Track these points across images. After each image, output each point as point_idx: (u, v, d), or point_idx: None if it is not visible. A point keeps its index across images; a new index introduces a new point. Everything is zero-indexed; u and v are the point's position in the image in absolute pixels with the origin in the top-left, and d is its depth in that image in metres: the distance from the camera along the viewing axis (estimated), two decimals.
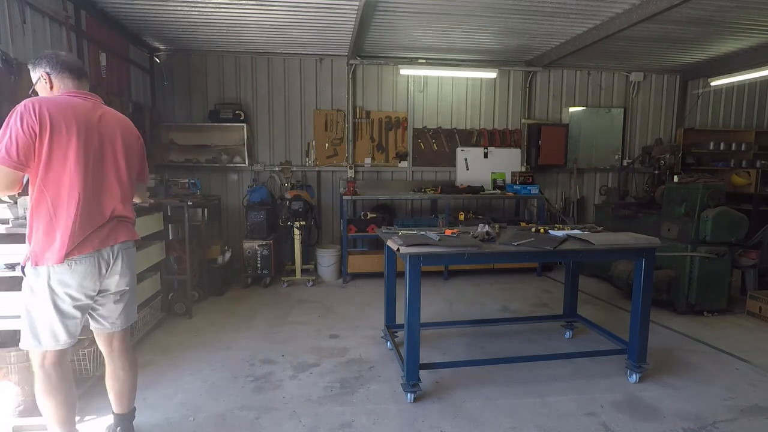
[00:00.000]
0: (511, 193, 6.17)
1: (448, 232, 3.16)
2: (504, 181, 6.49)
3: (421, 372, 2.87)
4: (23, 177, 1.89)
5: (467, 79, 6.53)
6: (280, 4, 4.30)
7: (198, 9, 4.44)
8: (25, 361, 2.55)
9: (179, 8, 4.43)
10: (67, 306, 1.99)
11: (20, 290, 2.04)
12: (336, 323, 4.23)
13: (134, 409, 2.38)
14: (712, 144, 7.02)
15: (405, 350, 2.83)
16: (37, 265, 1.92)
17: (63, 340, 2.01)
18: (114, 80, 4.73)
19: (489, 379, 3.12)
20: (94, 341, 2.95)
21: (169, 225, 4.41)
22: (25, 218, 2.37)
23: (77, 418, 2.61)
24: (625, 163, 6.97)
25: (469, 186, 6.18)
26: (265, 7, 4.40)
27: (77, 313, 2.02)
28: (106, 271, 2.09)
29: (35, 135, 1.83)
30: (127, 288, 2.22)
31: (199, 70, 6.01)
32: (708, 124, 7.23)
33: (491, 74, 6.31)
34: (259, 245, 5.36)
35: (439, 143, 6.55)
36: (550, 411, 2.75)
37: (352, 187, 5.74)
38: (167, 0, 4.24)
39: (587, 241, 2.95)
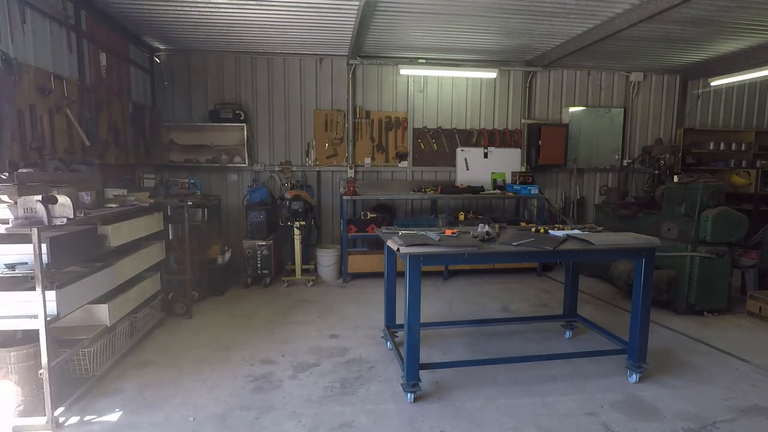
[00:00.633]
0: (511, 193, 6.17)
1: (448, 232, 3.16)
2: (504, 181, 6.48)
3: (421, 372, 2.87)
4: None
5: (467, 79, 6.53)
6: (280, 4, 4.30)
7: (198, 9, 4.44)
8: (25, 361, 2.56)
9: (179, 8, 4.42)
10: None
11: (21, 290, 2.03)
12: (336, 323, 4.23)
13: None
14: (712, 144, 7.02)
15: (405, 350, 2.83)
16: None
17: None
18: (114, 80, 4.74)
19: (489, 379, 3.12)
20: (94, 341, 2.97)
21: (169, 225, 4.41)
22: (27, 218, 2.37)
23: (78, 418, 2.62)
24: (625, 163, 6.97)
25: (469, 186, 6.18)
26: (265, 7, 4.40)
27: None
28: None
29: None
30: None
31: (199, 70, 6.01)
32: (708, 124, 7.23)
33: (491, 74, 6.31)
34: (259, 245, 5.36)
35: (439, 143, 6.55)
36: (550, 411, 2.75)
37: (352, 187, 5.74)
38: (167, 0, 4.24)
39: (587, 241, 2.95)
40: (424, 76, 6.43)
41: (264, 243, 5.37)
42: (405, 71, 6.14)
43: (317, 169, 6.34)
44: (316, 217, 6.16)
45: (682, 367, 3.34)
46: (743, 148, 7.06)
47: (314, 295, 5.17)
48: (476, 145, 6.61)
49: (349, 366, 3.33)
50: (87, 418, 2.63)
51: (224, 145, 5.96)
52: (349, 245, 5.76)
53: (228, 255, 5.29)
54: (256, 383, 3.06)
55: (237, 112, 5.88)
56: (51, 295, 2.47)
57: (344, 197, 5.67)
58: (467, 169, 6.56)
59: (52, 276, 2.62)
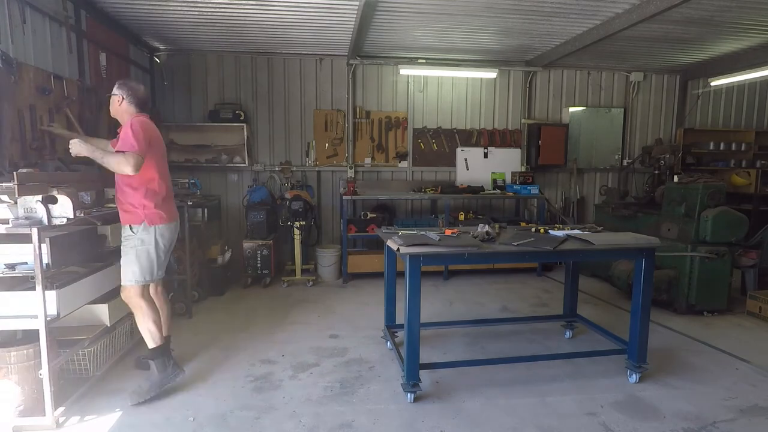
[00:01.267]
0: (511, 193, 6.17)
1: (448, 232, 3.16)
2: (504, 181, 6.49)
3: (421, 372, 2.87)
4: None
5: (467, 79, 6.53)
6: (280, 4, 4.30)
7: (198, 9, 4.44)
8: (25, 361, 2.56)
9: (179, 8, 4.43)
10: (163, 253, 2.90)
11: (21, 290, 2.04)
12: (336, 323, 4.23)
13: (170, 335, 3.15)
14: (712, 144, 7.02)
15: (405, 350, 2.83)
16: (150, 224, 2.82)
17: (156, 275, 2.92)
18: (114, 80, 4.68)
19: (489, 379, 3.12)
20: (94, 341, 2.97)
21: None
22: (27, 218, 2.37)
23: (78, 418, 2.62)
24: (625, 163, 6.97)
25: (469, 186, 6.18)
26: (265, 7, 4.40)
27: (165, 258, 2.94)
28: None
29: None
30: None
31: (199, 70, 6.01)
32: (708, 124, 7.23)
33: (491, 74, 6.31)
34: (259, 245, 5.36)
35: (439, 143, 6.55)
36: (550, 411, 2.75)
37: (352, 187, 5.74)
38: (167, 0, 4.24)
39: (587, 241, 2.95)
40: (424, 76, 6.43)
41: (264, 243, 5.37)
42: (405, 71, 6.14)
43: (317, 169, 6.34)
44: (316, 217, 6.16)
45: (682, 367, 3.34)
46: (743, 148, 7.06)
47: (314, 295, 5.17)
48: (476, 145, 6.61)
49: (349, 366, 3.33)
50: (87, 418, 2.63)
51: (224, 145, 5.96)
52: (349, 245, 5.76)
53: (228, 255, 5.29)
54: (256, 383, 3.06)
55: (237, 112, 5.88)
56: (51, 295, 2.46)
57: (344, 197, 5.67)
58: (467, 169, 6.56)
59: (52, 276, 2.62)
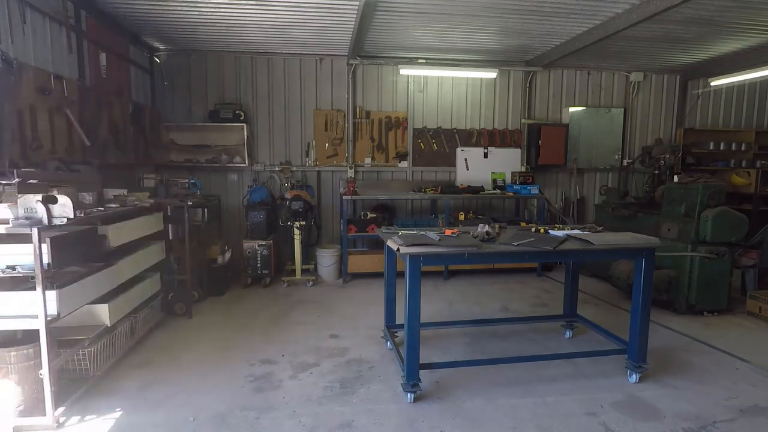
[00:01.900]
0: (511, 193, 6.17)
1: (448, 232, 3.16)
2: (504, 181, 6.48)
3: (421, 372, 2.87)
4: None
5: (467, 79, 6.52)
6: (280, 4, 4.30)
7: (198, 9, 4.44)
8: (25, 361, 2.56)
9: (179, 8, 4.42)
10: None
11: (21, 290, 2.03)
12: (336, 323, 4.23)
13: None
14: (712, 144, 7.02)
15: (405, 350, 2.83)
16: None
17: None
18: (114, 80, 4.73)
19: (489, 379, 3.12)
20: (94, 341, 2.97)
21: (169, 225, 4.41)
22: (27, 218, 2.37)
23: (78, 418, 2.62)
24: (625, 163, 6.97)
25: (469, 186, 6.18)
26: (265, 7, 4.40)
27: None
28: None
29: None
30: None
31: (199, 70, 6.01)
32: (708, 124, 7.23)
33: (491, 74, 6.31)
34: (259, 245, 5.36)
35: (439, 143, 6.55)
36: (550, 411, 2.75)
37: (352, 187, 5.74)
38: (167, 0, 4.24)
39: (587, 241, 2.95)
40: (424, 76, 6.43)
41: (264, 243, 5.37)
42: (405, 71, 6.14)
43: (317, 169, 6.34)
44: (316, 217, 6.16)
45: (682, 367, 3.34)
46: (743, 148, 7.06)
47: (314, 295, 5.17)
48: (476, 145, 6.61)
49: (349, 366, 3.33)
50: (87, 417, 2.63)
51: (224, 145, 5.96)
52: (349, 245, 5.76)
53: (228, 255, 5.29)
54: (256, 383, 3.06)
55: (237, 112, 5.88)
56: (51, 295, 2.47)
57: (344, 197, 5.67)
58: (467, 169, 6.55)
59: (53, 276, 2.62)
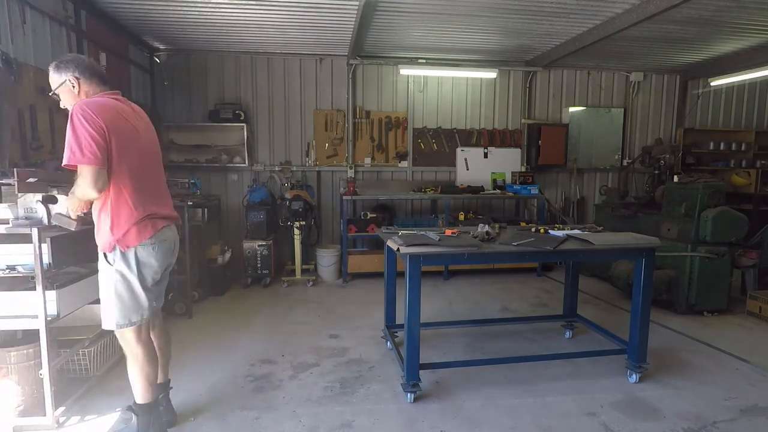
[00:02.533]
0: (511, 193, 6.17)
1: (448, 232, 3.16)
2: (504, 181, 6.48)
3: (421, 372, 2.87)
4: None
5: (467, 79, 6.52)
6: (280, 4, 4.30)
7: (198, 9, 4.44)
8: (25, 361, 2.56)
9: (179, 8, 4.43)
10: (148, 282, 2.24)
11: (21, 290, 2.04)
12: (336, 323, 4.23)
13: (169, 379, 2.65)
14: (712, 144, 7.02)
15: (405, 350, 2.83)
16: (126, 248, 2.13)
17: (148, 311, 2.26)
18: (114, 80, 4.73)
19: (489, 379, 3.12)
20: (95, 341, 2.97)
21: None
22: (27, 218, 2.37)
23: (78, 418, 2.62)
24: (625, 163, 6.97)
25: (469, 186, 6.18)
26: (265, 7, 4.40)
27: (155, 289, 2.30)
28: (175, 252, 2.41)
29: (105, 133, 1.99)
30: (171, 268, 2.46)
31: (199, 70, 6.01)
32: (708, 124, 7.23)
33: (491, 74, 6.31)
34: (259, 245, 5.36)
35: (439, 143, 6.55)
36: (550, 411, 2.75)
37: (352, 187, 5.74)
38: (167, 0, 4.24)
39: (587, 241, 2.95)
40: (424, 76, 6.43)
41: (264, 243, 5.37)
42: (405, 71, 6.14)
43: (317, 169, 6.34)
44: (316, 217, 6.16)
45: (682, 367, 3.34)
46: (743, 148, 7.06)
47: (314, 295, 5.17)
48: (476, 145, 6.61)
49: (349, 366, 3.33)
50: (87, 418, 2.63)
51: (224, 145, 5.97)
52: (349, 245, 5.76)
53: (228, 255, 5.29)
54: (256, 383, 3.06)
55: (237, 112, 5.88)
56: (51, 295, 2.47)
57: (344, 197, 5.67)
58: (467, 169, 6.56)
59: (53, 276, 2.62)
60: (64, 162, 1.97)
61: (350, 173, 6.33)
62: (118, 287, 2.16)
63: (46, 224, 2.41)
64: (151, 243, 2.18)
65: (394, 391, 2.95)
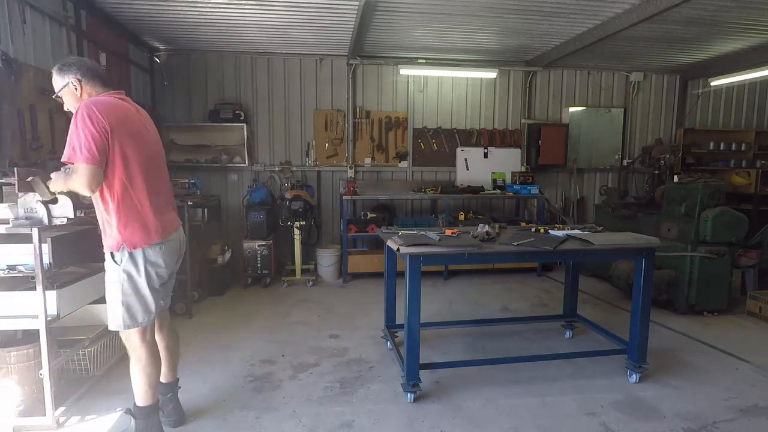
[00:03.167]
0: (511, 193, 6.17)
1: (448, 232, 3.16)
2: (504, 181, 6.48)
3: (421, 372, 2.87)
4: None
5: (467, 79, 6.52)
6: (280, 4, 4.30)
7: (198, 9, 4.44)
8: (25, 361, 2.56)
9: (179, 8, 4.43)
10: (156, 283, 2.23)
11: (21, 290, 2.04)
12: (336, 323, 4.23)
13: (177, 379, 2.63)
14: (712, 144, 7.02)
15: (405, 350, 2.83)
16: (134, 248, 2.13)
17: (154, 312, 2.27)
18: (114, 80, 4.73)
19: (489, 379, 3.13)
20: (95, 341, 2.97)
21: None
22: (27, 218, 2.37)
23: (78, 418, 2.62)
24: (625, 163, 6.97)
25: (469, 186, 6.18)
26: (265, 7, 4.40)
27: (162, 289, 2.30)
28: (181, 251, 2.41)
29: (108, 134, 2.00)
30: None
31: (199, 70, 6.01)
32: (708, 124, 7.23)
33: (491, 74, 6.31)
34: (259, 245, 5.36)
35: (439, 143, 6.55)
36: (550, 411, 2.75)
37: (352, 187, 5.74)
38: (167, 0, 4.24)
39: (587, 241, 2.95)
40: (424, 76, 6.43)
41: (264, 243, 5.37)
42: (405, 71, 6.14)
43: (317, 169, 6.34)
44: (316, 217, 6.16)
45: (682, 367, 3.34)
46: (743, 148, 7.06)
47: (314, 295, 5.17)
48: (476, 145, 6.61)
49: (349, 366, 3.33)
50: (87, 418, 2.64)
51: (224, 145, 5.97)
52: (349, 245, 5.76)
53: (228, 255, 5.29)
54: (256, 383, 3.06)
55: (237, 112, 5.88)
56: (51, 295, 2.46)
57: (344, 197, 5.67)
58: (467, 169, 6.56)
59: (53, 276, 2.62)
60: (64, 158, 1.99)
61: (350, 173, 6.33)
62: (125, 287, 2.16)
63: (47, 224, 2.41)
64: (159, 243, 2.19)
65: (394, 391, 2.95)
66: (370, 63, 6.23)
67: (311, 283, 5.56)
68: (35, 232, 2.36)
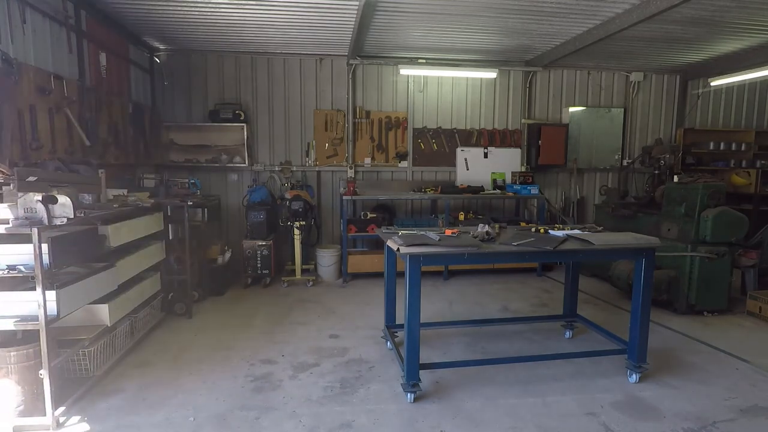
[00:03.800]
0: (511, 193, 6.17)
1: (448, 232, 3.16)
2: (504, 181, 6.48)
3: (421, 372, 2.87)
4: None
5: (467, 79, 6.53)
6: (280, 4, 4.30)
7: (198, 9, 4.44)
8: (25, 361, 2.56)
9: (179, 8, 4.42)
10: None
11: (21, 290, 2.03)
12: (336, 323, 4.23)
13: None
14: (712, 144, 7.02)
15: (405, 350, 2.83)
16: None
17: None
18: (114, 80, 4.74)
19: (489, 379, 3.12)
20: (95, 341, 2.97)
21: (169, 225, 4.41)
22: (27, 218, 2.37)
23: (78, 418, 2.61)
24: (625, 163, 6.97)
25: (469, 186, 6.18)
26: (265, 7, 4.40)
27: None
28: None
29: None
30: None
31: (199, 70, 6.01)
32: (708, 124, 7.23)
33: (491, 74, 6.31)
34: (259, 245, 5.36)
35: (439, 143, 6.55)
36: (550, 411, 2.75)
37: (352, 187, 5.74)
38: (167, 0, 4.24)
39: (587, 241, 2.95)
40: (424, 76, 6.43)
41: (264, 243, 5.37)
42: (405, 71, 6.14)
43: (317, 169, 6.34)
44: (316, 217, 6.16)
45: (682, 367, 3.34)
46: (743, 148, 7.06)
47: (314, 295, 5.17)
48: (476, 145, 6.61)
49: (349, 366, 3.33)
50: (87, 418, 2.63)
51: (224, 145, 5.97)
52: (349, 245, 5.76)
53: (228, 255, 5.29)
54: (256, 383, 3.06)
55: (237, 112, 5.88)
56: (51, 295, 2.47)
57: (344, 197, 5.67)
58: (467, 169, 6.55)
59: (53, 276, 2.62)
60: None
61: (350, 173, 6.33)
62: None
63: (46, 224, 2.41)
64: None
65: (394, 391, 2.95)
66: (370, 63, 6.23)
67: (311, 283, 5.56)
68: (35, 232, 2.36)
